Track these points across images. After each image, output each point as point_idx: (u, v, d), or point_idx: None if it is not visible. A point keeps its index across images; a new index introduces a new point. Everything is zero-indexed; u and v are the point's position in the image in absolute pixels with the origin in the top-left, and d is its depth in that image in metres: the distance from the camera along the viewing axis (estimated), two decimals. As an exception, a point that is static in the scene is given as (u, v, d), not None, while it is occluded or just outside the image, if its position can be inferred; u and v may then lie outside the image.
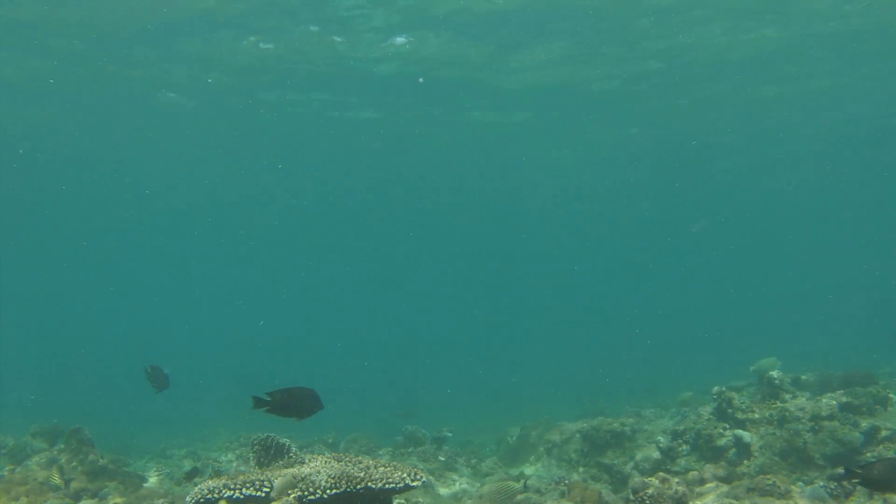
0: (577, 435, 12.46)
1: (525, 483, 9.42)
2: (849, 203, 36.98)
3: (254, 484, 5.23)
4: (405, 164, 27.82)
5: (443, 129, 23.99)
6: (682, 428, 10.92)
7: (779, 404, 10.41)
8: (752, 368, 12.19)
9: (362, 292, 58.55)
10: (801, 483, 8.35)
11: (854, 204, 37.10)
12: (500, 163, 27.98)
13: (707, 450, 10.27)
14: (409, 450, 13.65)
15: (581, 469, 11.77)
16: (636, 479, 7.18)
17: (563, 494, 8.13)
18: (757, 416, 10.27)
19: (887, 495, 7.24)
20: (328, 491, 5.08)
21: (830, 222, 41.70)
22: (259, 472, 5.78)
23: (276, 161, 27.11)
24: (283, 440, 6.90)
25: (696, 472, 8.88)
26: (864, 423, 9.30)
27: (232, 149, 25.04)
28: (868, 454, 8.83)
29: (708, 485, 8.12)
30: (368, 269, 50.96)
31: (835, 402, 9.88)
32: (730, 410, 10.47)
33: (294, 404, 5.40)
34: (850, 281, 52.71)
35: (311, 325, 65.03)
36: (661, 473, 8.28)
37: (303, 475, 5.38)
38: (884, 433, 9.17)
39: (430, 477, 11.72)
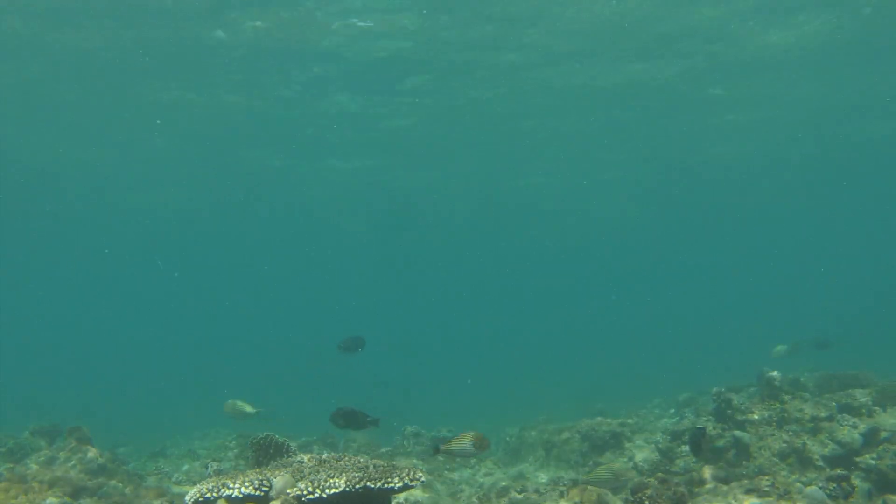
0: (577, 435, 12.47)
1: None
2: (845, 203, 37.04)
3: (253, 483, 5.22)
4: (407, 165, 27.79)
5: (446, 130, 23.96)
6: (681, 428, 10.93)
7: (778, 405, 10.42)
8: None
9: (362, 291, 58.54)
10: (800, 484, 8.34)
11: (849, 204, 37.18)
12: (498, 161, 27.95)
13: (706, 450, 10.26)
14: (409, 449, 13.67)
15: (580, 469, 11.77)
16: (635, 480, 7.18)
17: (561, 494, 8.13)
18: (756, 416, 10.27)
19: (887, 495, 7.24)
20: (327, 490, 5.08)
21: (825, 223, 41.75)
22: (258, 471, 5.78)
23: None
24: (282, 439, 6.89)
25: (695, 473, 8.88)
26: (863, 424, 9.30)
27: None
28: (867, 455, 8.83)
29: (707, 485, 8.11)
30: (368, 268, 50.95)
31: (834, 403, 9.88)
32: (729, 411, 10.47)
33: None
34: (849, 280, 52.73)
35: (311, 325, 64.99)
36: (660, 474, 8.29)
37: (302, 475, 5.38)
38: (883, 434, 9.17)
39: (429, 476, 11.72)
